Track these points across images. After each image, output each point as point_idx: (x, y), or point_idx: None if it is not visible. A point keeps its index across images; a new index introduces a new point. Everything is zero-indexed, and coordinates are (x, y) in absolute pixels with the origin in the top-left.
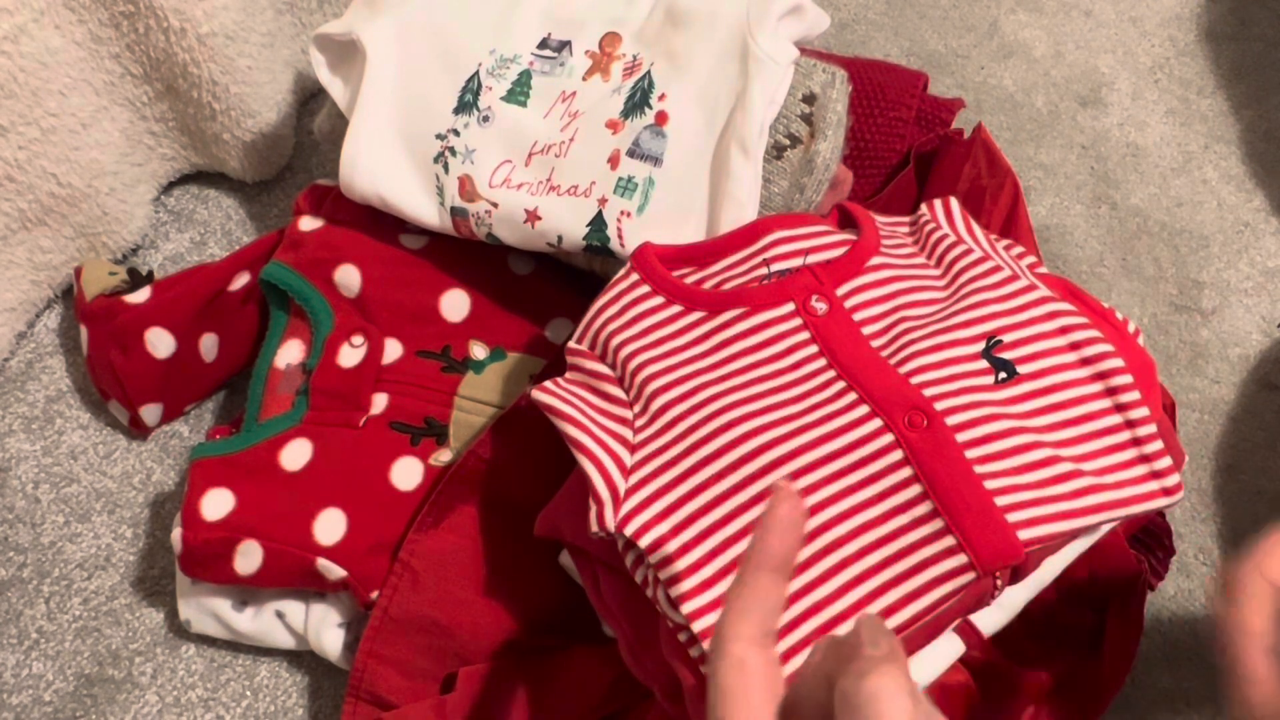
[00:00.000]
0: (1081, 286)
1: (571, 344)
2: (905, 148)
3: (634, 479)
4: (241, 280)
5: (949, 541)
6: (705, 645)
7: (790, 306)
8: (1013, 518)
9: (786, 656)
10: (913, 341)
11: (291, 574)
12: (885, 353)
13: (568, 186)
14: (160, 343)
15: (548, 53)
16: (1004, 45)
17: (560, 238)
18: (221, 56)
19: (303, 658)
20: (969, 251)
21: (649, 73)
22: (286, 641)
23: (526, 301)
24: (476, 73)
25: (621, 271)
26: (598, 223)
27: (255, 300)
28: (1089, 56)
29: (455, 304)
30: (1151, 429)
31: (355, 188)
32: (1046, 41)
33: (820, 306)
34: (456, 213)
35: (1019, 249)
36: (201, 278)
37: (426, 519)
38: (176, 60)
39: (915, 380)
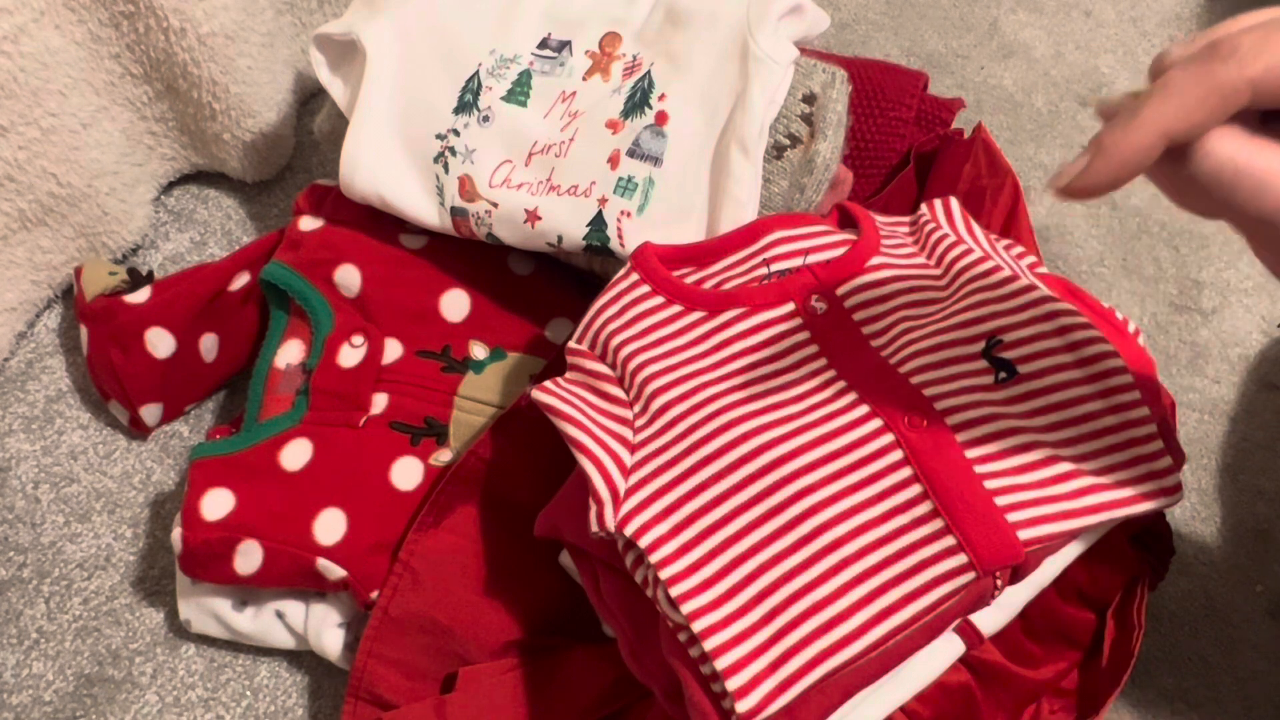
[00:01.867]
0: (1081, 286)
1: (571, 344)
2: (905, 148)
3: (634, 479)
4: (241, 280)
5: (949, 541)
6: (705, 645)
7: (790, 306)
8: (1013, 518)
9: (785, 657)
10: (913, 341)
11: (291, 574)
12: (885, 353)
13: (568, 186)
14: (160, 343)
15: (548, 53)
16: (1004, 45)
17: (560, 238)
18: (221, 56)
19: (303, 658)
20: (969, 251)
21: (649, 73)
22: (286, 641)
23: (526, 301)
24: (476, 73)
25: (621, 271)
26: (598, 223)
27: (255, 300)
28: (1089, 56)
29: (455, 304)
30: (1151, 429)
31: (355, 188)
32: (1046, 41)
33: (820, 306)
34: (456, 213)
35: (1019, 249)
36: (201, 278)
37: (426, 519)
38: (176, 60)
39: (915, 380)
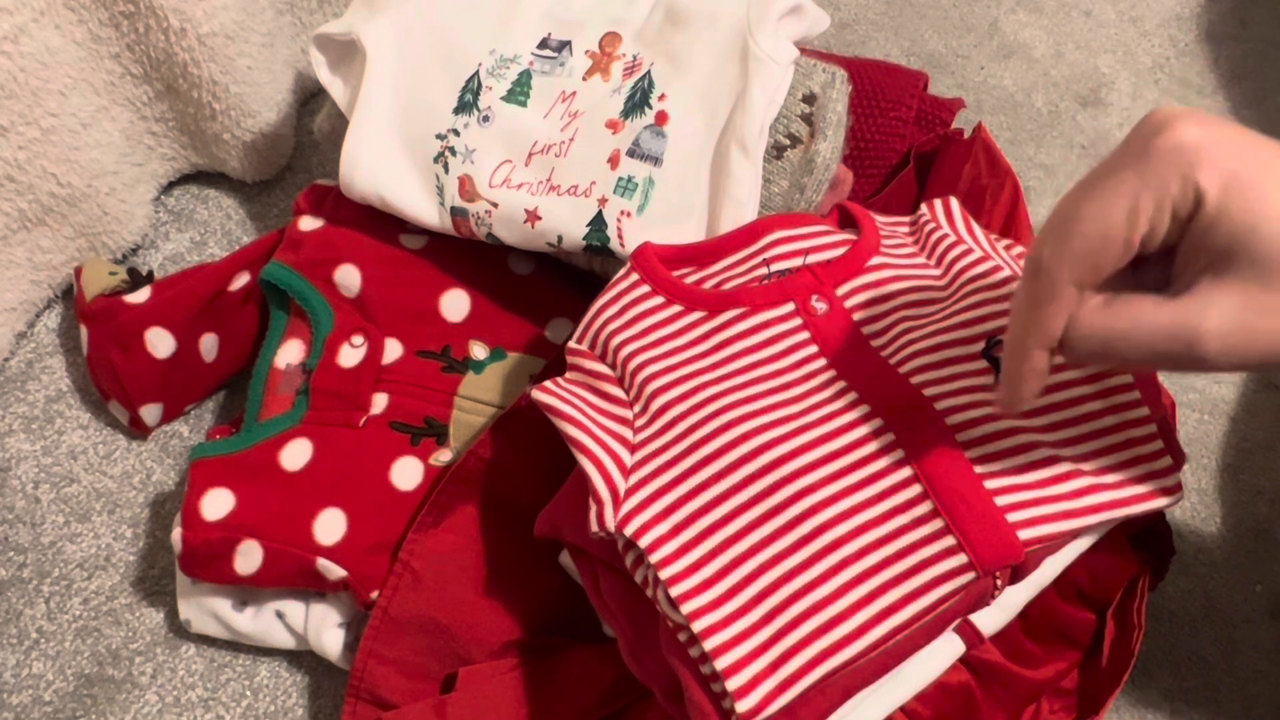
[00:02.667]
0: None
1: (571, 344)
2: (905, 148)
3: (634, 479)
4: (241, 280)
5: (949, 541)
6: (705, 645)
7: (790, 306)
8: (1013, 518)
9: (785, 657)
10: (913, 341)
11: (291, 574)
12: (885, 353)
13: (568, 186)
14: (160, 343)
15: (548, 53)
16: (1004, 45)
17: (560, 238)
18: (221, 56)
19: (303, 658)
20: (969, 251)
21: (649, 73)
22: (286, 641)
23: (526, 301)
24: (476, 73)
25: (621, 271)
26: (598, 223)
27: (255, 300)
28: (1089, 56)
29: (455, 304)
30: (1151, 429)
31: (355, 188)
32: (1046, 41)
33: (820, 306)
34: (456, 213)
35: (1019, 249)
36: (201, 278)
37: (426, 519)
38: (176, 60)
39: (915, 380)
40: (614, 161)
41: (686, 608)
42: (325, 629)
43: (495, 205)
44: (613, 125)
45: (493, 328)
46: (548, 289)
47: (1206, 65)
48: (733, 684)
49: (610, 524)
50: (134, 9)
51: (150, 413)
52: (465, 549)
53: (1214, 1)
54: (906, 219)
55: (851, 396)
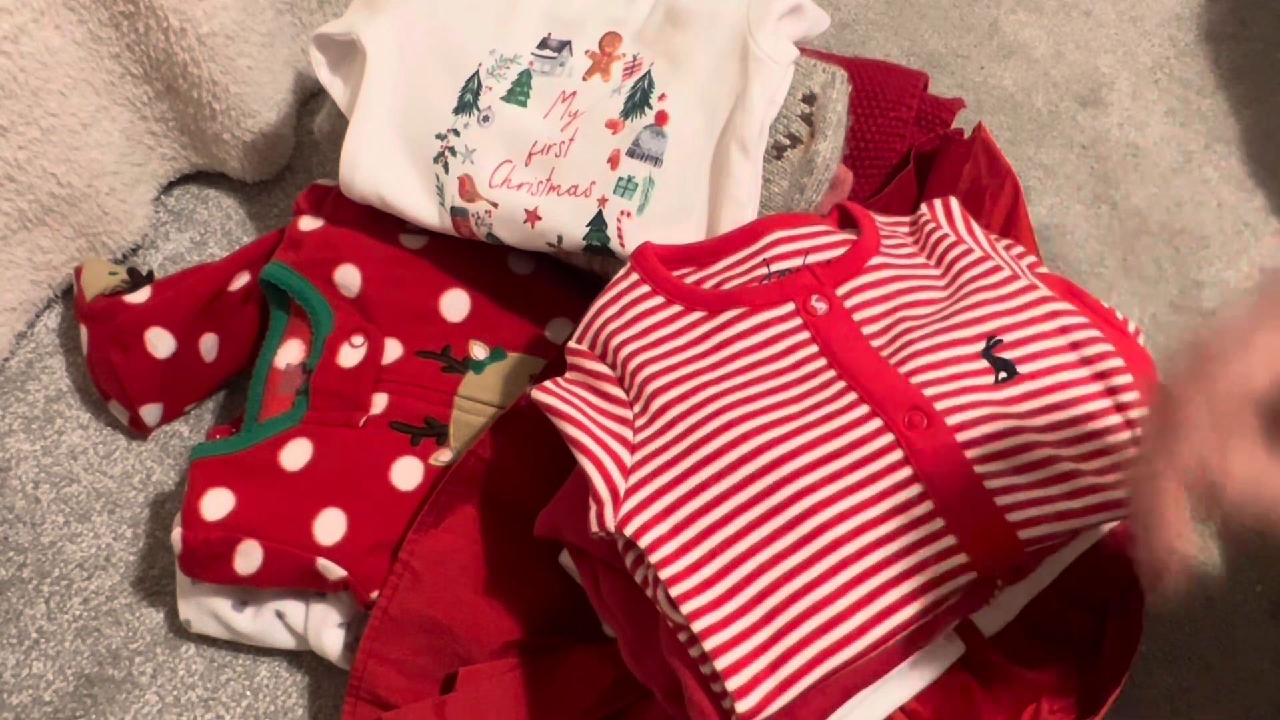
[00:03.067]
0: (1081, 286)
1: (571, 344)
2: (905, 148)
3: (634, 479)
4: (241, 280)
5: (949, 541)
6: (705, 645)
7: (790, 306)
8: (1013, 518)
9: (785, 657)
10: (913, 341)
11: (291, 574)
12: (885, 353)
13: (568, 186)
14: (160, 343)
15: (548, 53)
16: (1004, 45)
17: (560, 238)
18: (221, 56)
19: (303, 658)
20: (969, 251)
21: (649, 73)
22: (286, 641)
23: (526, 301)
24: (477, 73)
25: (621, 271)
26: (598, 223)
27: (255, 300)
28: (1089, 56)
29: (455, 304)
30: None
31: (355, 188)
32: (1046, 41)
33: (820, 306)
34: (456, 213)
35: (1019, 249)
36: (201, 278)
37: (426, 519)
38: (176, 60)
39: (915, 380)
40: (614, 161)
41: (686, 608)
42: (325, 629)
43: (495, 205)
44: (613, 125)
45: (493, 328)
46: (548, 289)
47: (1206, 65)
48: (733, 684)
49: (610, 524)
50: (134, 9)
51: (150, 413)
52: (465, 549)
53: (1214, 1)
54: (906, 219)
55: (851, 396)
